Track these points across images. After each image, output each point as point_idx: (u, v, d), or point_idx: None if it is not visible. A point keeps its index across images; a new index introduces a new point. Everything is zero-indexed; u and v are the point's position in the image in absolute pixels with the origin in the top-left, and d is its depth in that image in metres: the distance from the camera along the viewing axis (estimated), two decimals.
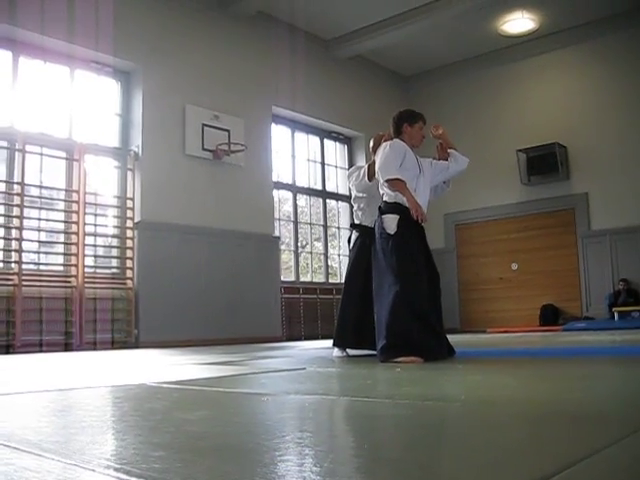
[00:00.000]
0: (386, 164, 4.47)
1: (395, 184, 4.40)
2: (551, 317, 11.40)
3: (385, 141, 4.96)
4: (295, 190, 11.55)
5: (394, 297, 4.24)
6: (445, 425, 1.79)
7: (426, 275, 4.41)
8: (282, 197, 11.50)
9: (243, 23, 10.28)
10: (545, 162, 11.54)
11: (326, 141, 12.28)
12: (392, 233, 4.38)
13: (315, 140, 12.11)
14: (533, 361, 4.28)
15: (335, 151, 12.52)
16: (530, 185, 11.85)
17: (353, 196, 5.43)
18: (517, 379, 3.08)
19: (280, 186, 11.19)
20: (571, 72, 11.76)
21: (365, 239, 5.14)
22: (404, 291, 4.23)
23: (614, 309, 10.61)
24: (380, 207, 4.59)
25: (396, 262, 4.32)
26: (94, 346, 7.85)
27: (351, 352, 5.14)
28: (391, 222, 4.41)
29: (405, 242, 4.39)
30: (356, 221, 5.42)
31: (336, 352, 5.16)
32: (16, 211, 7.59)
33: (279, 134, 11.27)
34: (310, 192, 11.92)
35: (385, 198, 4.54)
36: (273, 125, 10.86)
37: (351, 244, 5.41)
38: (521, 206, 11.94)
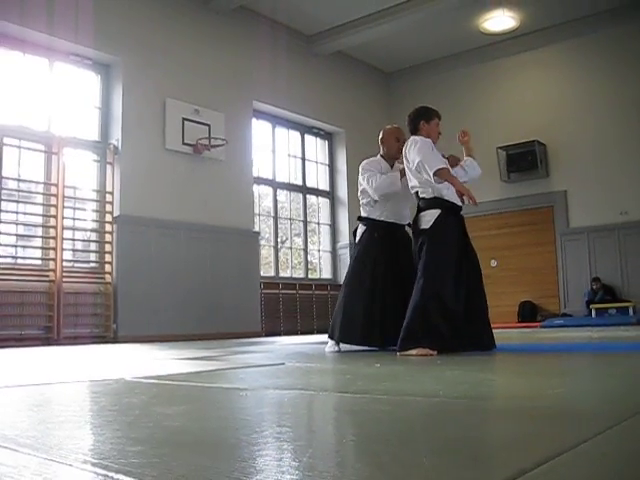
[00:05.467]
0: (430, 157, 4.50)
1: (442, 173, 4.43)
2: (529, 314, 11.48)
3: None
4: (275, 185, 11.53)
5: (419, 291, 4.31)
6: (424, 420, 1.79)
7: (458, 269, 4.44)
8: (262, 192, 11.47)
9: (225, 18, 10.23)
10: (525, 160, 11.61)
11: (307, 136, 12.27)
12: (427, 227, 4.45)
13: (296, 135, 12.09)
14: (511, 357, 4.30)
15: (316, 147, 12.51)
16: (510, 182, 11.92)
17: (360, 189, 5.24)
18: (495, 375, 3.10)
19: (260, 181, 11.17)
20: (551, 70, 11.83)
21: (373, 232, 5.12)
22: (429, 286, 4.31)
23: (592, 306, 10.70)
24: (418, 205, 4.61)
25: (427, 256, 4.39)
26: (72, 341, 7.81)
27: (343, 348, 5.04)
28: (429, 218, 4.48)
29: (440, 237, 4.46)
30: (363, 214, 5.26)
31: (329, 347, 5.04)
32: None
33: (260, 129, 11.25)
34: (290, 187, 11.91)
35: (423, 195, 4.56)
36: (254, 120, 10.83)
37: (357, 237, 5.28)
38: (501, 203, 12.00)
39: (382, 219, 5.14)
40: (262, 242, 11.07)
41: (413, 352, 4.19)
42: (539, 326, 10.40)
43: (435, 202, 4.51)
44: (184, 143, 9.33)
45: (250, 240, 10.25)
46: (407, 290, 4.66)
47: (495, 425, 1.64)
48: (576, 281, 11.24)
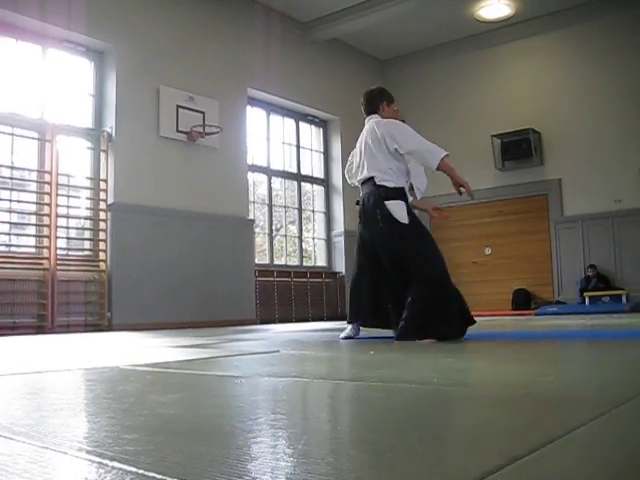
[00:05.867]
0: (430, 142, 4.37)
1: (447, 162, 4.33)
2: (523, 301, 11.52)
3: None
4: (270, 173, 11.52)
5: (425, 283, 4.31)
6: (418, 407, 1.80)
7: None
8: (257, 180, 11.46)
9: (219, 5, 10.18)
10: (519, 148, 11.61)
11: (301, 124, 12.24)
12: (406, 222, 4.35)
13: (290, 123, 12.06)
14: (505, 344, 4.32)
15: (310, 134, 12.48)
16: (504, 170, 11.93)
17: None
18: (489, 362, 3.11)
19: (255, 169, 11.16)
20: (546, 59, 11.82)
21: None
22: (433, 277, 4.33)
23: (585, 294, 10.74)
24: (379, 193, 4.43)
25: (420, 249, 4.34)
26: (66, 329, 7.80)
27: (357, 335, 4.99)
28: (400, 209, 4.36)
29: (421, 227, 4.45)
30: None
31: (344, 333, 4.94)
32: None
33: (254, 116, 11.22)
34: (285, 175, 11.90)
35: (383, 182, 4.42)
36: (248, 107, 10.80)
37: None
38: (495, 191, 12.01)
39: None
40: (257, 230, 11.07)
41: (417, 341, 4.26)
42: (533, 314, 10.43)
43: (399, 192, 4.43)
44: (178, 130, 9.30)
45: (244, 228, 10.25)
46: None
47: (488, 412, 1.64)
48: (570, 269, 11.28)
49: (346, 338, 4.91)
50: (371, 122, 4.62)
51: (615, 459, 1.11)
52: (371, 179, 4.47)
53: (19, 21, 8.01)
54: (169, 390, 2.24)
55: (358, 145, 4.74)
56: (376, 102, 4.69)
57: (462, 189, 4.43)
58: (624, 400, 1.65)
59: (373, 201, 4.45)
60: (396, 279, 4.44)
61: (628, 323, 6.47)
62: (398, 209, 4.36)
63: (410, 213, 4.41)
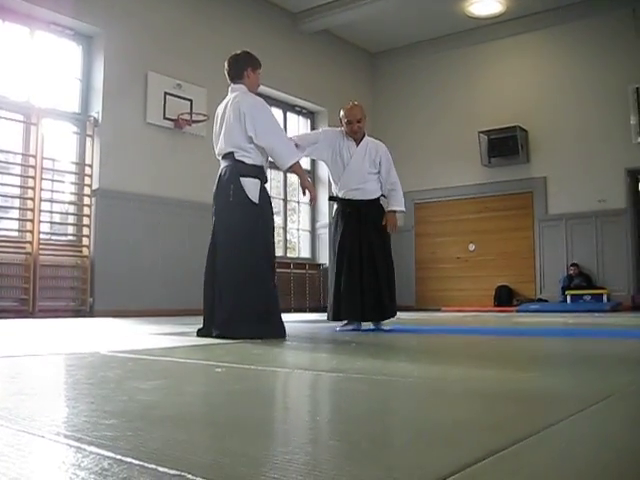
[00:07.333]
0: (283, 145, 4.23)
1: (298, 166, 4.25)
2: (505, 298, 11.57)
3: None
4: None
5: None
6: (397, 400, 1.81)
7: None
8: None
9: None
10: (506, 145, 11.63)
11: (289, 114, 12.21)
12: (257, 203, 4.11)
13: (278, 113, 12.02)
14: (486, 340, 4.34)
15: (298, 125, 12.45)
16: (490, 167, 11.95)
17: None
18: (470, 357, 3.12)
19: None
20: (536, 57, 11.84)
21: (336, 209, 5.16)
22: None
23: (567, 292, 10.80)
24: (237, 168, 4.14)
25: (252, 236, 4.09)
26: (48, 314, 7.76)
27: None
28: (254, 188, 4.12)
29: (267, 214, 4.23)
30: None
31: (341, 327, 4.92)
32: None
33: None
34: (271, 166, 11.77)
35: (244, 159, 4.14)
36: None
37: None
38: (481, 187, 12.04)
39: (340, 196, 5.11)
40: None
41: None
42: (515, 310, 10.50)
43: (256, 170, 4.21)
44: (165, 117, 9.24)
45: None
46: (371, 266, 4.79)
47: (467, 406, 1.65)
48: (552, 267, 11.33)
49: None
50: (237, 95, 4.30)
51: (591, 454, 1.12)
52: (230, 154, 4.17)
53: (6, 1, 7.91)
54: (150, 377, 2.23)
55: (220, 114, 4.41)
56: (241, 67, 4.33)
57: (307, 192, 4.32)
58: (602, 397, 1.67)
59: (229, 175, 4.15)
60: (222, 256, 4.34)
61: (608, 322, 6.52)
62: (252, 187, 4.11)
63: (263, 194, 4.18)
